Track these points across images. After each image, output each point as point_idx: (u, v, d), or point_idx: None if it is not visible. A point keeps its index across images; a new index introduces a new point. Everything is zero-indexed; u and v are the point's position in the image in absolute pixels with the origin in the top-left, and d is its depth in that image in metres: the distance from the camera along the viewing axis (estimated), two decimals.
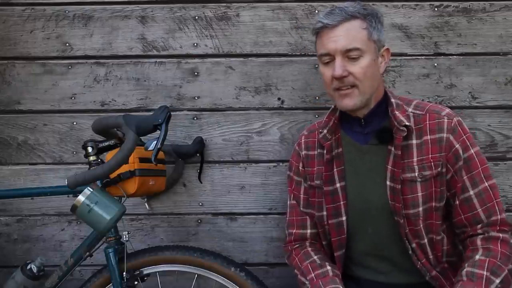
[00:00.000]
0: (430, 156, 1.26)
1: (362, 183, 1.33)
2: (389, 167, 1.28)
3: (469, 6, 1.71)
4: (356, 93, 1.25)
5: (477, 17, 1.71)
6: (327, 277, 1.30)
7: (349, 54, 1.23)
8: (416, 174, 1.26)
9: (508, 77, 1.72)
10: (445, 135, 1.26)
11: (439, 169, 1.26)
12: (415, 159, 1.27)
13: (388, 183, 1.28)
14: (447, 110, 1.30)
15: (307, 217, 1.44)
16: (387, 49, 1.32)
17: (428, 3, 1.71)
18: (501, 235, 1.23)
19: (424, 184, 1.26)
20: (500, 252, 1.21)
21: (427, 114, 1.29)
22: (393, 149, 1.28)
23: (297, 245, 1.45)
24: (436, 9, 1.71)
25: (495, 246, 1.22)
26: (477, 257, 1.21)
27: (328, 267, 1.33)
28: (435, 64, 1.72)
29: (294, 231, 1.45)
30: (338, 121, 1.38)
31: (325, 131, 1.38)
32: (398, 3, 1.71)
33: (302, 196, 1.45)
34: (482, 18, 1.71)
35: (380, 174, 1.30)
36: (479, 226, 1.25)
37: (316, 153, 1.41)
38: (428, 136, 1.27)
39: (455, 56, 1.72)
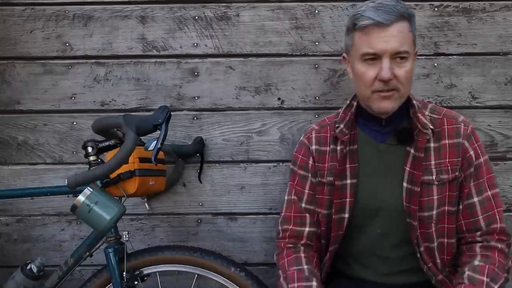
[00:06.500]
0: (447, 160, 1.27)
1: (376, 182, 1.31)
2: (408, 168, 1.27)
3: (469, 6, 1.71)
4: (396, 96, 1.22)
5: (477, 17, 1.71)
6: None
7: (399, 57, 1.19)
8: (434, 177, 1.26)
9: (508, 77, 1.72)
10: (461, 140, 1.27)
11: (456, 173, 1.27)
12: (432, 162, 1.27)
13: (405, 184, 1.27)
14: (462, 117, 1.33)
15: (307, 214, 1.39)
16: (416, 51, 1.29)
17: (428, 3, 1.71)
18: (499, 245, 1.26)
19: (440, 187, 1.27)
20: (497, 261, 1.23)
21: (445, 118, 1.30)
22: (412, 150, 1.27)
23: (291, 245, 1.39)
24: (436, 9, 1.71)
25: (493, 255, 1.24)
26: (476, 262, 1.23)
27: (314, 283, 1.27)
28: (435, 64, 1.72)
29: (290, 227, 1.39)
30: (354, 117, 1.36)
31: (342, 125, 1.34)
32: None
33: (307, 191, 1.40)
34: (482, 18, 1.71)
35: (397, 175, 1.29)
36: (478, 233, 1.27)
37: (328, 149, 1.37)
38: (447, 140, 1.28)
39: (455, 56, 1.72)
